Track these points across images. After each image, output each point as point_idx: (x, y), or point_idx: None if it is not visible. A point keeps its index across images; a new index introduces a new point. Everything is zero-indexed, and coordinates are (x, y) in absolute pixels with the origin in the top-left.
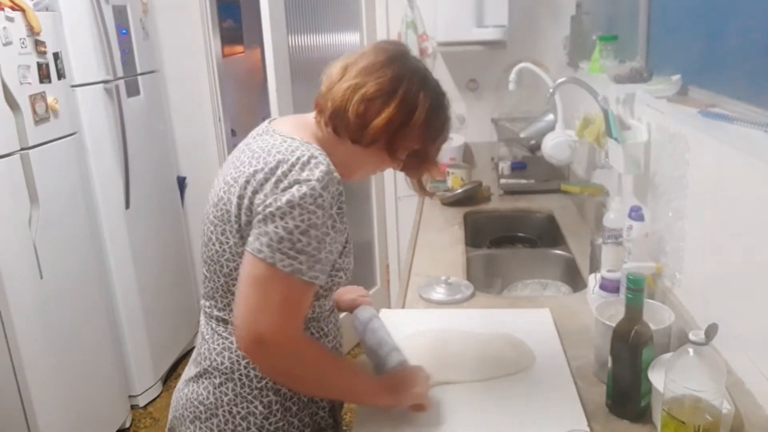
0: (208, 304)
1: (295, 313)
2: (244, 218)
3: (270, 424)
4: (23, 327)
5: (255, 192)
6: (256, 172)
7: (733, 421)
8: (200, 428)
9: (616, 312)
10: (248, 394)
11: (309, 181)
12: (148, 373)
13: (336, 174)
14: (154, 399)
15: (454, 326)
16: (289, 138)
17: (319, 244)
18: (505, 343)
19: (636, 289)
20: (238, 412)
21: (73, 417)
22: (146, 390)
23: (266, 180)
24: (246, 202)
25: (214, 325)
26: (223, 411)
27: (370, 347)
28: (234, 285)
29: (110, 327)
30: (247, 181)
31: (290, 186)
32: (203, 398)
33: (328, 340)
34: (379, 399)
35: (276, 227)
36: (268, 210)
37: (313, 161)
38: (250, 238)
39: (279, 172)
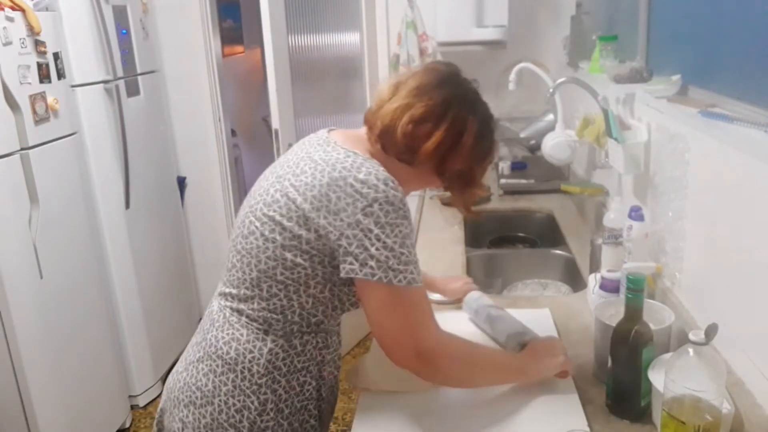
0: (228, 291)
1: (429, 317)
2: (308, 231)
3: (262, 421)
4: (23, 327)
5: (325, 208)
6: (323, 186)
7: (733, 421)
8: (193, 413)
9: (616, 312)
10: (247, 388)
11: (387, 195)
12: (148, 373)
13: (398, 185)
14: (154, 399)
15: (453, 327)
16: (352, 153)
17: (414, 251)
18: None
19: (636, 289)
20: (234, 404)
21: (73, 417)
22: (146, 390)
23: (339, 199)
24: (311, 216)
25: (227, 314)
26: (219, 400)
27: (501, 329)
28: (266, 282)
29: (110, 327)
30: (312, 194)
31: (371, 205)
32: (202, 384)
33: (328, 351)
34: (527, 374)
35: (377, 249)
36: (359, 233)
37: (376, 175)
38: (351, 265)
39: (352, 190)
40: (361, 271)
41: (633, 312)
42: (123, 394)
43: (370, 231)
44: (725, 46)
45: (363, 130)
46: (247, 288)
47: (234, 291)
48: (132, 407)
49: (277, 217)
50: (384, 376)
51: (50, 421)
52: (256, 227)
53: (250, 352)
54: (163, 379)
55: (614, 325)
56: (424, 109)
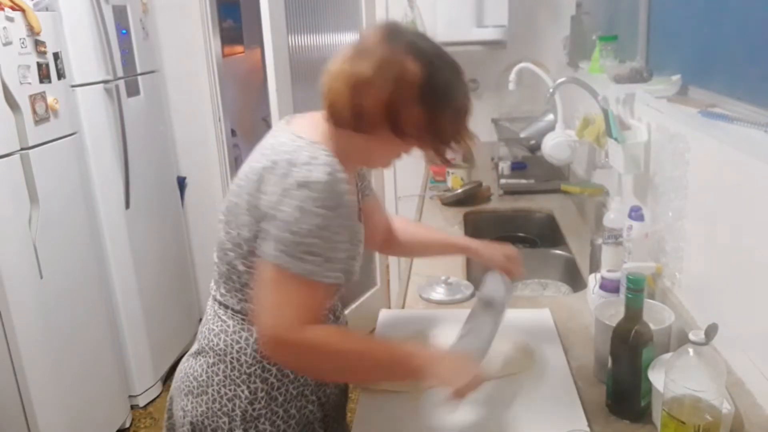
0: (213, 287)
1: (311, 311)
2: (249, 215)
3: (254, 410)
4: (23, 327)
5: (259, 190)
6: (263, 168)
7: (733, 421)
8: (191, 402)
9: (616, 312)
10: (237, 377)
11: (312, 183)
12: (148, 373)
13: (341, 174)
14: (154, 399)
15: (454, 326)
16: (297, 137)
17: (330, 245)
18: (507, 343)
19: (636, 289)
20: (225, 394)
21: (73, 417)
22: (146, 390)
23: (270, 180)
24: (252, 198)
25: (216, 308)
26: (213, 390)
27: (473, 317)
28: (234, 273)
29: (110, 327)
30: (254, 177)
31: (296, 188)
32: (197, 374)
33: None
34: (419, 376)
35: (285, 231)
36: (276, 213)
37: (315, 161)
38: (261, 242)
39: (281, 172)
40: (264, 248)
41: (633, 312)
42: (123, 394)
43: (287, 213)
44: (725, 46)
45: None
46: (223, 282)
47: (216, 286)
48: (132, 407)
49: (231, 207)
50: None
51: (50, 421)
52: (221, 220)
53: (237, 342)
54: (163, 379)
55: (614, 325)
56: (362, 71)
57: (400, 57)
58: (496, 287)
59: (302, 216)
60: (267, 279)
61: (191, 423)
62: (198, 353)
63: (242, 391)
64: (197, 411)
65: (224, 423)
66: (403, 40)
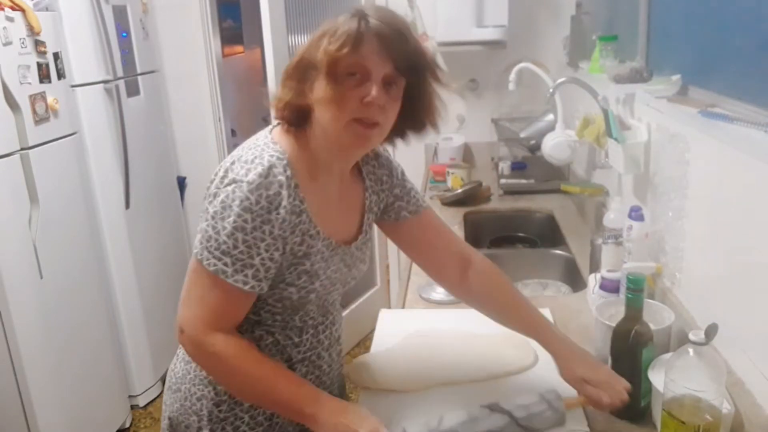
0: None
1: (216, 314)
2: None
3: (220, 411)
4: (23, 327)
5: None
6: (225, 166)
7: (733, 421)
8: (171, 398)
9: (616, 312)
10: (205, 377)
11: (242, 182)
12: (148, 373)
13: (280, 178)
14: (154, 399)
15: (454, 326)
16: (264, 137)
17: (249, 249)
18: (507, 342)
19: (636, 289)
20: (195, 393)
21: (73, 417)
22: (146, 390)
23: (216, 174)
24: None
25: None
26: (185, 388)
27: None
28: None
29: (110, 327)
30: (220, 174)
31: (228, 185)
32: (177, 370)
33: (298, 350)
34: (305, 421)
35: (207, 225)
36: (207, 206)
37: (255, 161)
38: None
39: (226, 167)
40: (195, 241)
41: (633, 312)
42: (123, 394)
43: (213, 207)
44: (725, 46)
45: None
46: None
47: None
48: (132, 407)
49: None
50: (384, 376)
51: (50, 421)
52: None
53: None
54: (163, 379)
55: (614, 325)
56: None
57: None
58: (544, 418)
59: (223, 212)
60: (190, 269)
61: (169, 418)
62: (180, 350)
63: (209, 392)
64: (174, 407)
65: (194, 421)
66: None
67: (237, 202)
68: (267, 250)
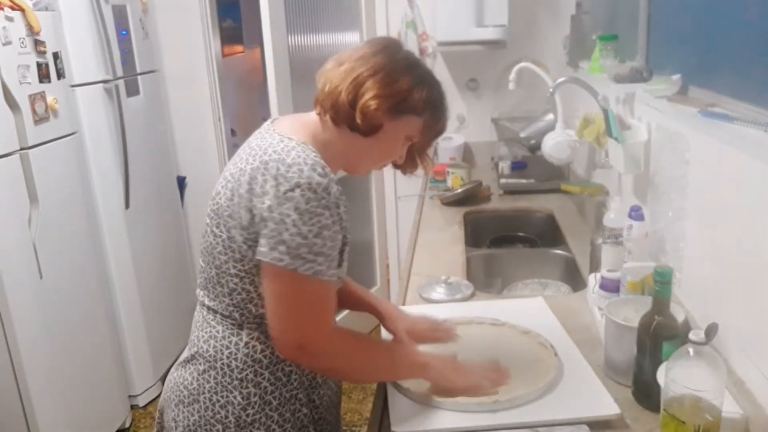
0: (201, 293)
1: (326, 313)
2: (241, 217)
3: (248, 415)
4: (23, 327)
5: (251, 191)
6: (253, 169)
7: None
8: (183, 412)
9: (625, 309)
10: (228, 383)
11: (307, 183)
12: (148, 373)
13: (332, 174)
14: (154, 399)
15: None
16: (286, 138)
17: (333, 243)
18: (525, 337)
19: (663, 282)
20: (218, 401)
21: (72, 417)
22: (146, 390)
23: (265, 182)
24: (243, 200)
25: (204, 313)
26: (204, 398)
27: None
28: (224, 277)
29: (110, 327)
30: (245, 179)
31: (292, 189)
32: (188, 383)
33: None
34: (428, 375)
35: (291, 234)
36: (273, 216)
37: (300, 162)
38: (263, 248)
39: (273, 173)
40: (270, 254)
41: (660, 304)
42: (123, 394)
43: (288, 216)
44: (725, 45)
45: (311, 115)
46: (212, 287)
47: (205, 292)
48: (132, 407)
49: (220, 210)
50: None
51: (50, 421)
52: (207, 224)
53: (227, 347)
54: (163, 379)
55: (623, 322)
56: (367, 71)
57: (399, 73)
58: None
59: (302, 217)
60: (278, 284)
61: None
62: (188, 361)
63: (234, 397)
64: (189, 420)
65: (218, 431)
66: (403, 56)
67: (314, 203)
68: (338, 241)
